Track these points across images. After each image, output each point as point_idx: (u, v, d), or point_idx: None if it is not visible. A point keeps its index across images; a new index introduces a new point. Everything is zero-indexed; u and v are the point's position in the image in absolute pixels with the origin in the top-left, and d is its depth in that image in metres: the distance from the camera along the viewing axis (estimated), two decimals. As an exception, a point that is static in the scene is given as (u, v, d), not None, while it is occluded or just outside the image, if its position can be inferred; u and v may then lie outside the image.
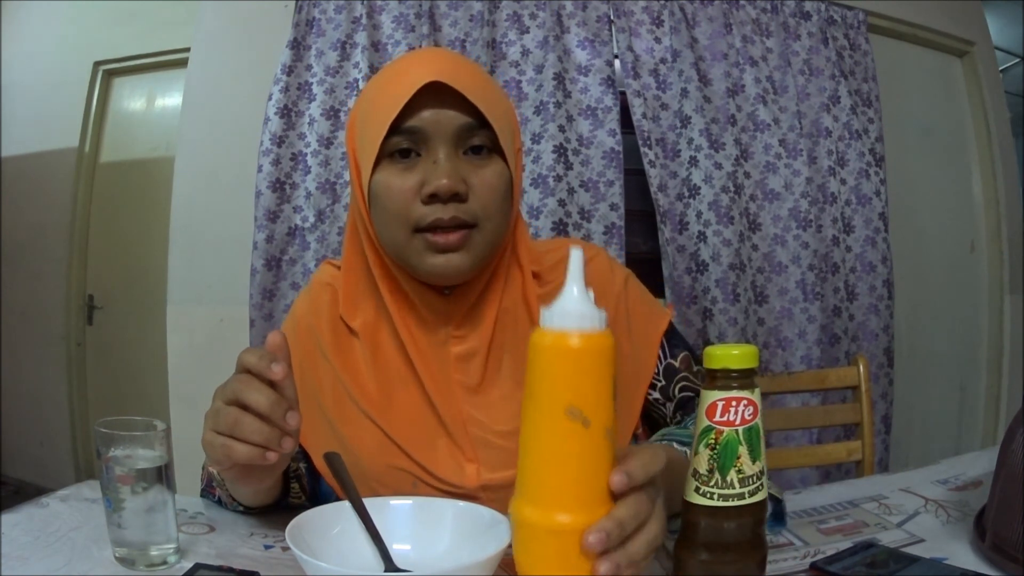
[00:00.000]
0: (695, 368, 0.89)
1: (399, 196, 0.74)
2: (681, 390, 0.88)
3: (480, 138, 0.75)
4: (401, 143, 0.74)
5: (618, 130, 2.22)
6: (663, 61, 2.29)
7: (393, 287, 0.81)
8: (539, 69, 2.19)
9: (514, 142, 0.80)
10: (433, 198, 0.73)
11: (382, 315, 0.82)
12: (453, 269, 0.75)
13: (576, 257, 0.51)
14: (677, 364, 0.88)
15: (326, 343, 0.84)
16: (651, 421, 0.92)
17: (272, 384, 0.59)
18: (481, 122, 0.74)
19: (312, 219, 2.12)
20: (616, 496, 0.51)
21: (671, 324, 0.91)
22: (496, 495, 0.76)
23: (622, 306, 0.87)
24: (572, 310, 0.50)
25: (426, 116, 0.73)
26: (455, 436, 0.79)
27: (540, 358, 0.50)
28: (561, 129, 2.14)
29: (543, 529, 0.50)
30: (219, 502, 0.80)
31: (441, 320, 0.81)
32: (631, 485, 0.50)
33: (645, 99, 2.25)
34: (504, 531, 0.58)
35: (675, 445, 0.74)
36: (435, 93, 0.72)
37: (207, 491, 0.82)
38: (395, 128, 0.73)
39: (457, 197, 0.73)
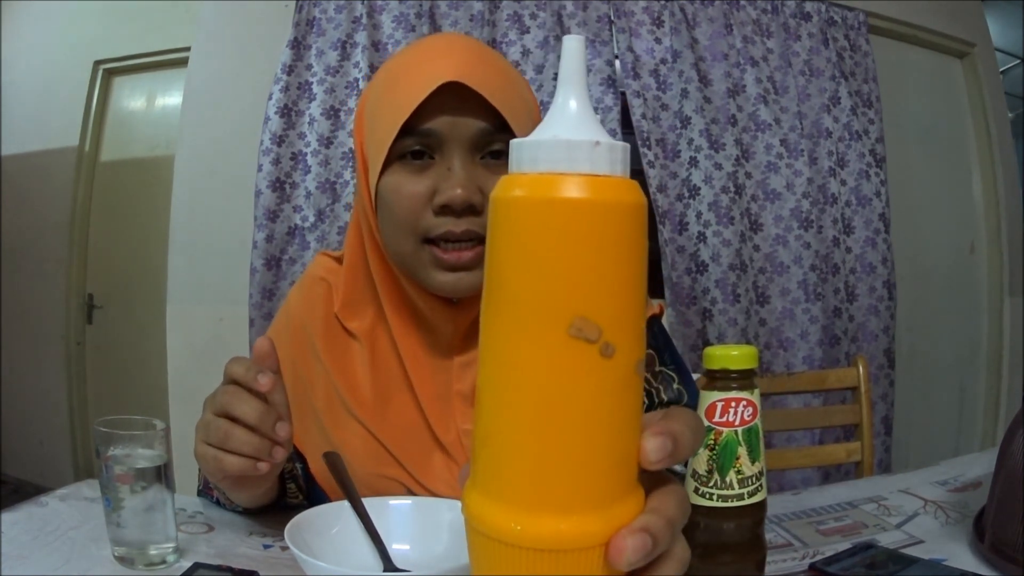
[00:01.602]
0: (657, 368, 0.81)
1: (408, 203, 0.68)
2: None
3: (499, 143, 0.69)
4: (413, 146, 0.68)
5: (618, 130, 2.22)
6: (663, 61, 2.29)
7: (395, 292, 0.77)
8: (539, 69, 2.19)
9: None
10: (445, 209, 0.67)
11: (382, 318, 0.79)
12: (464, 288, 0.70)
13: (572, 48, 0.29)
14: None
15: (318, 341, 0.80)
16: None
17: (261, 394, 0.59)
18: (501, 125, 0.68)
19: (312, 219, 2.12)
20: (651, 473, 0.32)
21: (651, 320, 0.82)
22: None
23: None
24: (573, 137, 0.28)
25: (441, 119, 0.67)
26: (450, 449, 0.76)
27: (512, 234, 0.28)
28: (561, 129, 2.15)
29: (532, 549, 0.28)
30: (217, 502, 0.80)
31: (448, 328, 0.76)
32: (674, 462, 0.32)
33: (645, 99, 2.25)
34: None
35: None
36: (453, 93, 0.66)
37: (205, 491, 0.82)
38: (407, 129, 0.67)
39: (471, 209, 0.67)
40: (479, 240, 0.69)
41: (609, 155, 0.28)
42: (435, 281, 0.70)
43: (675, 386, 0.82)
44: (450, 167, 0.68)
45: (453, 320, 0.76)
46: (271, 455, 0.59)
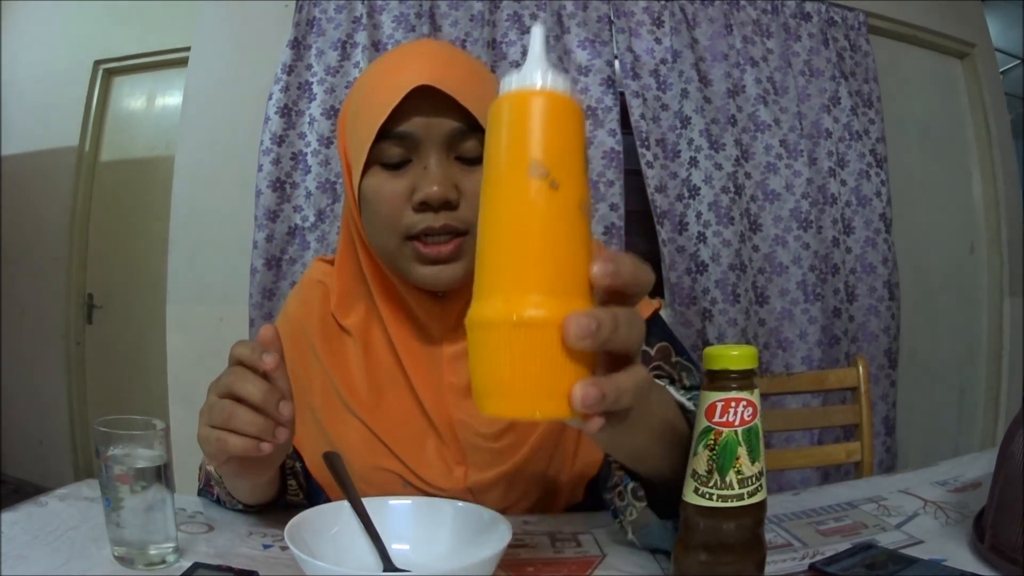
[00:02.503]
0: (674, 359, 0.84)
1: (389, 202, 0.72)
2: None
3: (473, 142, 0.72)
4: (391, 148, 0.72)
5: (618, 130, 2.22)
6: (663, 62, 2.29)
7: (385, 287, 0.80)
8: (539, 69, 2.19)
9: None
10: (424, 206, 0.71)
11: (374, 314, 0.81)
12: (445, 280, 0.74)
13: (537, 33, 0.45)
14: (652, 352, 0.84)
15: (316, 341, 0.83)
16: None
17: (265, 375, 0.59)
18: (474, 125, 0.72)
19: (312, 218, 2.12)
20: (599, 292, 0.43)
21: (654, 316, 0.87)
22: (483, 497, 0.77)
23: None
24: (534, 71, 0.43)
25: (416, 121, 0.71)
26: (444, 438, 0.79)
27: (498, 123, 0.44)
28: (561, 129, 2.15)
29: (507, 323, 0.40)
30: (218, 501, 0.80)
31: (435, 322, 0.79)
32: (617, 282, 0.42)
33: (645, 99, 2.25)
34: (504, 531, 0.58)
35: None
36: (426, 96, 0.70)
37: (205, 490, 0.82)
38: (385, 133, 0.71)
39: (448, 205, 0.71)
40: (456, 234, 0.72)
41: (552, 80, 0.43)
42: (418, 275, 0.74)
43: (696, 374, 0.83)
44: (426, 166, 0.72)
45: (440, 313, 0.79)
46: (274, 435, 0.59)
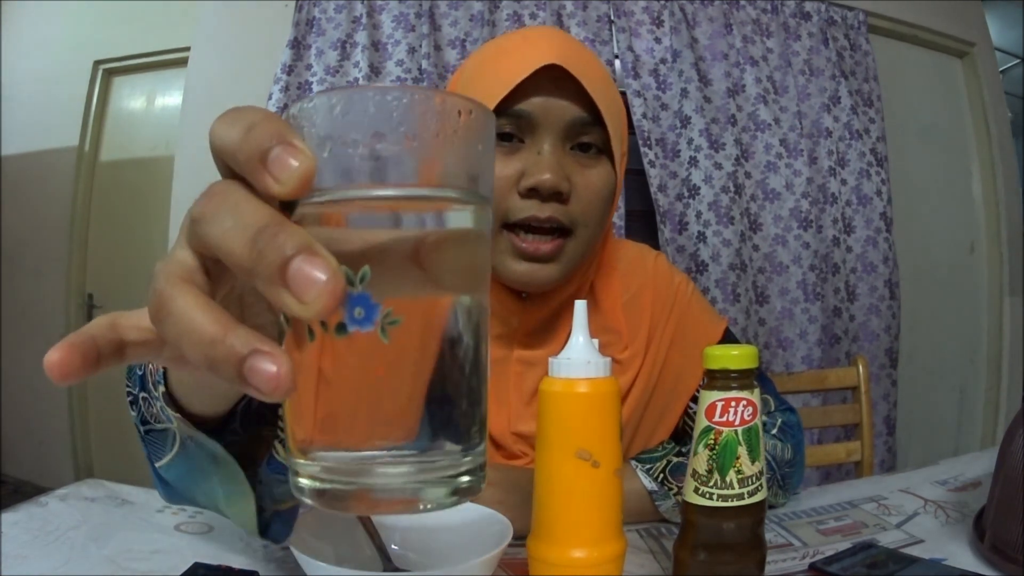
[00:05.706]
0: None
1: (494, 184, 0.69)
2: None
3: (591, 136, 0.68)
4: (505, 127, 0.67)
5: (618, 130, 2.21)
6: (663, 61, 2.29)
7: None
8: (539, 69, 2.19)
9: (622, 145, 0.72)
10: (532, 192, 0.66)
11: None
12: (539, 280, 0.69)
13: (580, 307, 0.55)
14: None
15: None
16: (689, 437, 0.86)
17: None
18: (595, 118, 0.67)
19: (312, 219, 2.12)
20: None
21: (727, 334, 0.84)
22: None
23: (675, 314, 0.81)
24: (578, 358, 0.53)
25: (537, 102, 0.66)
26: (501, 447, 0.76)
27: (550, 405, 0.54)
28: (561, 129, 2.15)
29: (560, 565, 0.53)
30: (142, 421, 0.55)
31: (512, 321, 0.75)
32: None
33: (645, 99, 2.25)
34: (504, 531, 0.58)
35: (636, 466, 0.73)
36: (551, 78, 0.65)
37: (138, 397, 0.56)
38: (501, 110, 0.66)
39: (558, 196, 0.66)
40: (560, 232, 0.68)
41: (595, 368, 0.53)
42: (509, 270, 0.69)
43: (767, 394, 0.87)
44: (540, 151, 0.67)
45: (520, 314, 0.75)
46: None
